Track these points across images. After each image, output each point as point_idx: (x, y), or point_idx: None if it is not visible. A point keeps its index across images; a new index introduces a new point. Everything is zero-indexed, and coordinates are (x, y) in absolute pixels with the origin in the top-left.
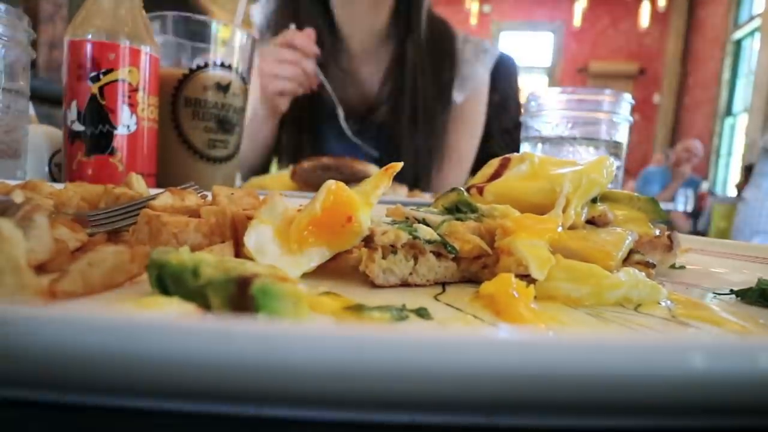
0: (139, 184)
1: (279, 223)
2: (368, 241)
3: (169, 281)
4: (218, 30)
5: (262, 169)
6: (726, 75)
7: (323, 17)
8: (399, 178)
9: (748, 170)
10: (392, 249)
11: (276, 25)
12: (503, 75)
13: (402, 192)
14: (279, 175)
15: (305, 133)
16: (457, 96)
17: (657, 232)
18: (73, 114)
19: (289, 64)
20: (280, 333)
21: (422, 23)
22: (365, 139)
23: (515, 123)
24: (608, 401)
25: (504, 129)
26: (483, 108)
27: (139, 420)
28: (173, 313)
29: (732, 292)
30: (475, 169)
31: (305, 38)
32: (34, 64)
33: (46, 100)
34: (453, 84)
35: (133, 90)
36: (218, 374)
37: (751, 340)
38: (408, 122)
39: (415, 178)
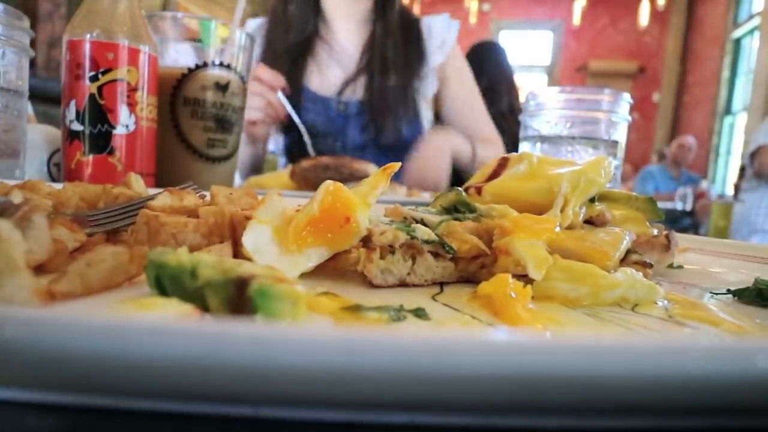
0: (137, 184)
1: (277, 223)
2: (366, 241)
3: (167, 282)
4: (217, 29)
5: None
6: (725, 74)
7: (313, 6)
8: (395, 146)
9: (744, 170)
10: (390, 249)
11: (267, 24)
12: (489, 59)
13: (401, 191)
14: (278, 174)
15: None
16: (438, 57)
17: (655, 232)
18: (71, 113)
19: (256, 95)
20: (277, 335)
21: (394, 10)
22: (355, 115)
23: (511, 107)
24: (605, 402)
25: (499, 113)
26: (464, 62)
27: (138, 420)
28: (171, 314)
29: (729, 291)
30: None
31: (271, 73)
32: (32, 63)
33: (45, 99)
34: (419, 64)
35: (132, 89)
36: (216, 376)
37: (747, 341)
38: (380, 91)
39: (398, 136)
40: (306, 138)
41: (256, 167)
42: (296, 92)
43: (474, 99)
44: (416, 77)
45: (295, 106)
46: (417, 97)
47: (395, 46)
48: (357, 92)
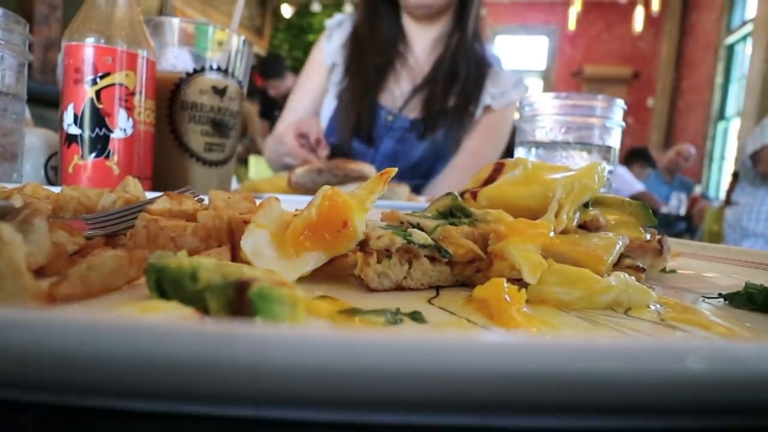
0: (135, 188)
1: (275, 227)
2: (363, 245)
3: (167, 285)
4: (214, 34)
5: None
6: (719, 79)
7: (396, 27)
8: (413, 173)
9: (736, 177)
10: (387, 253)
11: (351, 39)
12: None
13: (402, 192)
14: (274, 178)
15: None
16: (494, 102)
17: (648, 237)
18: (69, 117)
19: (300, 150)
20: (277, 336)
21: (469, 25)
22: (398, 129)
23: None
24: (598, 401)
25: None
26: (509, 127)
27: (138, 420)
28: (172, 316)
29: (721, 295)
30: None
31: (311, 124)
32: (28, 66)
33: (41, 102)
34: (482, 91)
35: (130, 94)
36: (216, 376)
37: (738, 343)
38: (438, 110)
39: (428, 172)
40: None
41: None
42: (372, 108)
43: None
44: (475, 108)
45: (369, 124)
46: (467, 124)
47: (467, 60)
48: (414, 110)
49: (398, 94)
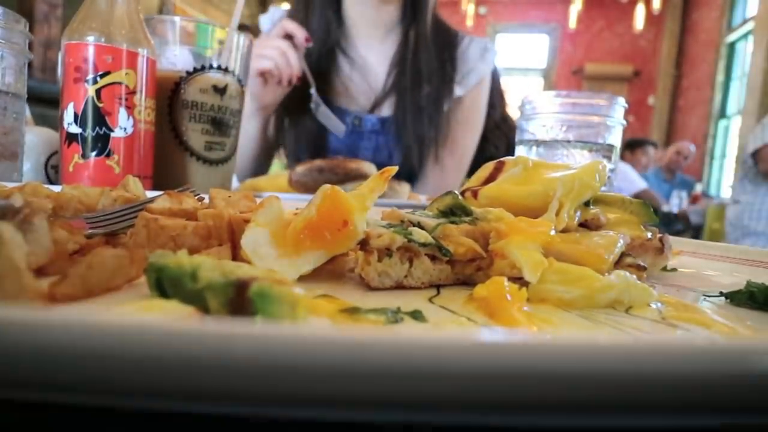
0: (136, 187)
1: (275, 226)
2: (364, 244)
3: (167, 284)
4: (214, 32)
5: (260, 170)
6: (720, 77)
7: (333, 9)
8: (398, 174)
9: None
10: (387, 252)
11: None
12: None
13: (403, 190)
14: (274, 177)
15: (305, 135)
16: (459, 90)
17: (649, 235)
18: (69, 116)
19: (275, 47)
20: (277, 335)
21: (427, 15)
22: (369, 132)
23: (503, 117)
24: (599, 401)
25: (493, 123)
26: (484, 103)
27: (138, 420)
28: (172, 316)
29: (722, 294)
30: (473, 169)
31: (296, 26)
32: (29, 65)
33: (41, 101)
34: (454, 77)
35: (131, 93)
36: (216, 376)
37: (738, 341)
38: (412, 109)
39: (413, 170)
40: (313, 91)
41: (267, 154)
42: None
43: (467, 151)
44: (449, 94)
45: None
46: (440, 118)
47: (429, 57)
48: (384, 110)
49: (360, 97)
